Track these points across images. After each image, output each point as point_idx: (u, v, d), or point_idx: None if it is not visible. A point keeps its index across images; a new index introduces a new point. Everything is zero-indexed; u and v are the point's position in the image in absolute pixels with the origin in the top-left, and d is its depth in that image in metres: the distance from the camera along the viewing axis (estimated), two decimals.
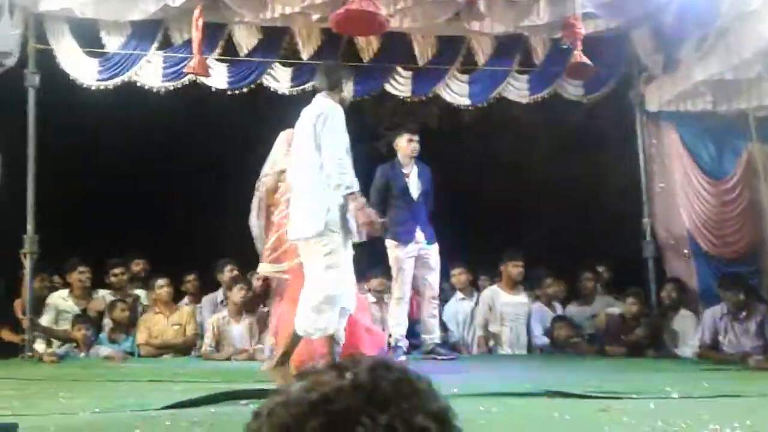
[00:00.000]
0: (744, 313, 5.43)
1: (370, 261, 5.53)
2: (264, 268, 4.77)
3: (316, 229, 3.78)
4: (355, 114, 4.10)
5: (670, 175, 6.79)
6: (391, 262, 5.52)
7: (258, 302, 6.00)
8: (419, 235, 5.50)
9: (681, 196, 6.66)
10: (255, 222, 4.76)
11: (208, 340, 5.88)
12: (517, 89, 6.82)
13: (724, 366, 5.08)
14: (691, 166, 6.59)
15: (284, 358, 3.85)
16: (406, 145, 5.61)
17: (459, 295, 6.55)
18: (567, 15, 5.90)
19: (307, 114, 4.04)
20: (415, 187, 5.58)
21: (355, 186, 3.85)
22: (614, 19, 6.33)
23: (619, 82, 6.86)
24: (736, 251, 6.41)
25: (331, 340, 3.89)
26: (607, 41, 6.55)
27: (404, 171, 5.62)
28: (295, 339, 3.84)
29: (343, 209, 3.84)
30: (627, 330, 6.09)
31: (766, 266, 6.32)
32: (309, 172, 3.91)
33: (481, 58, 6.72)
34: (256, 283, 5.80)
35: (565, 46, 6.07)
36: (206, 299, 6.47)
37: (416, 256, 5.50)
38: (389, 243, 5.51)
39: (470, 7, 6.22)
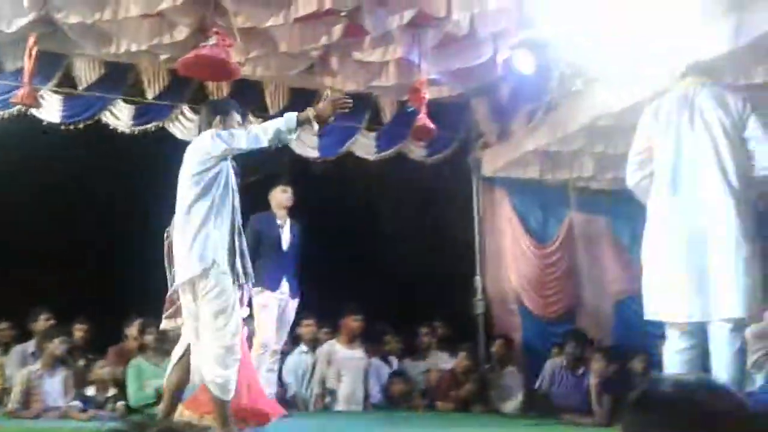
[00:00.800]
0: (581, 370, 5.80)
1: None
2: (163, 324, 4.38)
3: (203, 266, 3.50)
4: None
5: (500, 236, 7.24)
6: (255, 309, 5.35)
7: (78, 355, 5.54)
8: (284, 286, 5.42)
9: (510, 257, 7.12)
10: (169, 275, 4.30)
11: (15, 395, 5.28)
12: (365, 146, 7.05)
13: (544, 421, 5.39)
14: (520, 229, 7.08)
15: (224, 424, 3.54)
16: (280, 195, 5.56)
17: (302, 347, 6.46)
18: (414, 79, 6.20)
19: (189, 150, 3.77)
20: (286, 238, 5.53)
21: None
22: (456, 87, 6.74)
23: (458, 146, 7.30)
24: (556, 311, 6.94)
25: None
26: (449, 107, 6.94)
27: (278, 222, 5.56)
28: (218, 402, 3.54)
29: (232, 249, 3.61)
30: (457, 385, 6.31)
31: (582, 326, 6.85)
32: (193, 209, 3.61)
33: None
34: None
35: (410, 109, 6.37)
36: (15, 350, 5.88)
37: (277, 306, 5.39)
38: (254, 291, 5.36)
39: (323, 62, 6.37)
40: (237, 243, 3.65)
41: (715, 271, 3.24)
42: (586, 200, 7.15)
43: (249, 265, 3.74)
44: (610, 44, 4.78)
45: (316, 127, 3.73)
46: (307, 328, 6.44)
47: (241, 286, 3.71)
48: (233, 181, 3.75)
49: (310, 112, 3.70)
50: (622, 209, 6.61)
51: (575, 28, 4.82)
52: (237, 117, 3.92)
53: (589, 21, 4.67)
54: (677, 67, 3.81)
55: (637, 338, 6.25)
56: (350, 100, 3.92)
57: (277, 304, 5.39)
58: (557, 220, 7.18)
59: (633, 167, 3.60)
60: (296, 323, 6.04)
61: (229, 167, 3.72)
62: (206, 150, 3.64)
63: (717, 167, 3.31)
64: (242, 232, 3.75)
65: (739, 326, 3.26)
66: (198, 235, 3.56)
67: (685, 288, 3.28)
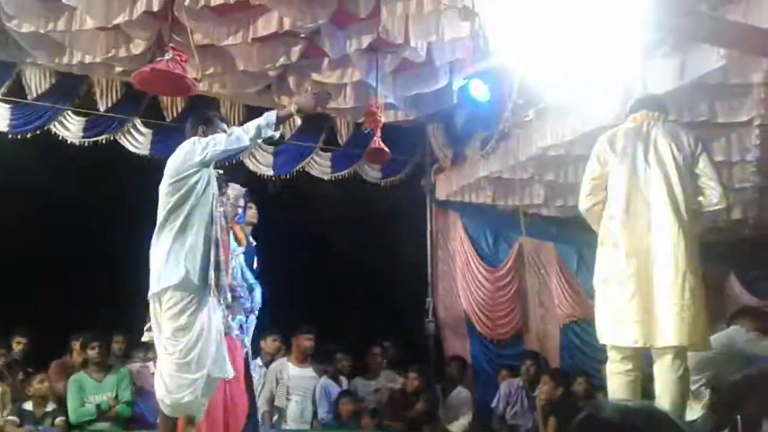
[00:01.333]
0: (537, 391, 5.86)
1: None
2: (144, 337, 4.25)
3: (179, 276, 3.40)
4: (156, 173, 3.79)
5: (452, 259, 7.35)
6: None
7: (17, 369, 5.37)
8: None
9: (461, 280, 7.21)
10: None
11: None
12: (320, 166, 7.09)
13: None
14: (472, 252, 7.20)
15: None
16: (247, 212, 5.48)
17: (259, 361, 6.36)
18: (370, 103, 6.26)
19: (170, 159, 3.68)
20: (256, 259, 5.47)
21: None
22: (412, 112, 6.83)
23: (413, 169, 7.42)
24: (505, 333, 7.04)
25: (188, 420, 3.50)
26: (404, 131, 7.04)
27: (251, 241, 5.48)
28: (165, 420, 3.45)
29: (206, 259, 3.50)
30: (407, 405, 6.32)
31: (530, 349, 6.97)
32: (170, 218, 3.52)
33: (287, 132, 6.86)
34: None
35: (366, 132, 6.42)
36: None
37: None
38: None
39: (281, 82, 6.37)
40: (213, 254, 3.54)
41: (661, 300, 3.36)
42: (536, 226, 7.30)
43: (223, 278, 3.62)
44: (561, 76, 4.93)
45: (299, 121, 3.70)
46: (273, 343, 6.36)
47: (229, 302, 3.66)
48: (215, 190, 3.68)
49: (292, 107, 3.68)
50: (570, 236, 6.79)
51: (528, 60, 4.96)
52: (222, 125, 3.87)
53: (541, 53, 4.81)
54: (626, 100, 3.97)
55: (581, 361, 6.40)
56: (331, 94, 3.88)
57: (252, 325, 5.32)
58: (508, 245, 7.33)
59: (586, 193, 3.69)
60: (260, 337, 5.96)
61: (211, 176, 3.66)
62: (187, 157, 3.58)
63: (668, 199, 3.44)
64: (219, 244, 3.62)
65: (681, 354, 3.38)
66: (174, 244, 3.48)
67: (631, 313, 3.38)
